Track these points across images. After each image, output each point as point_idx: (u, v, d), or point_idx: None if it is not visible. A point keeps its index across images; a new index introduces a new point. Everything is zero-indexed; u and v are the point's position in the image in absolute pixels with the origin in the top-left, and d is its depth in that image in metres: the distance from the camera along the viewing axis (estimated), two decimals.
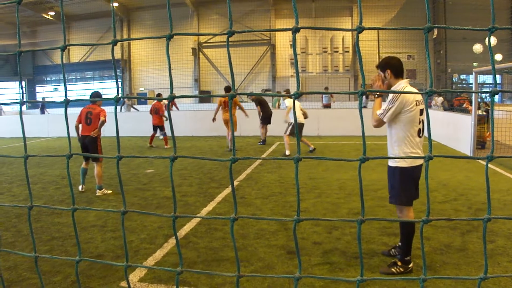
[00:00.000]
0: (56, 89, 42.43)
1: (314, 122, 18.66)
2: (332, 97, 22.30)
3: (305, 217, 1.48)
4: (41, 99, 34.94)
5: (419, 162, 4.56)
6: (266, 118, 16.25)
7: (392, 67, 4.59)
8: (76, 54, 40.75)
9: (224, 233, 5.97)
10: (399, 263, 4.68)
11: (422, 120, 4.57)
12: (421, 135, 4.57)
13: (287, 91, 19.23)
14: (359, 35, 1.42)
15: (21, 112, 1.91)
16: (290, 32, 1.43)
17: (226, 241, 5.67)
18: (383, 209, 7.07)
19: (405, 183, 4.64)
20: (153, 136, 16.63)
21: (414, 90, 4.66)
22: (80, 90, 40.73)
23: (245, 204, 7.56)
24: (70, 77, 40.96)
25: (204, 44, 37.59)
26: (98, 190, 8.55)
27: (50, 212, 7.16)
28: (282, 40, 36.01)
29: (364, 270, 1.84)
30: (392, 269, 4.64)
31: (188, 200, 7.93)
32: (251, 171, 10.57)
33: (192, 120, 20.26)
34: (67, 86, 1.85)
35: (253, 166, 11.09)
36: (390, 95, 4.52)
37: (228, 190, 8.63)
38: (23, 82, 41.50)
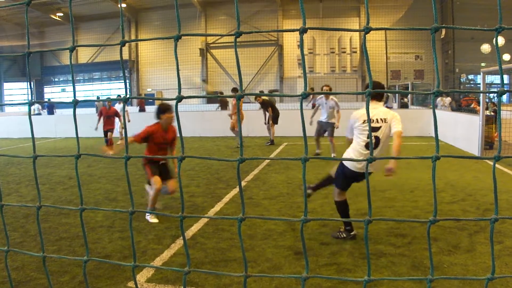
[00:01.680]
0: (63, 90, 42.62)
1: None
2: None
3: (313, 217, 1.48)
4: (47, 100, 35.13)
5: (360, 170, 5.45)
6: (275, 118, 16.26)
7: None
8: (84, 55, 40.92)
9: (231, 233, 5.97)
10: (342, 229, 5.78)
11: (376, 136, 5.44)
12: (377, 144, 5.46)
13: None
14: (367, 35, 1.42)
15: (29, 113, 1.93)
16: (298, 32, 1.43)
17: (234, 241, 5.67)
18: (391, 209, 7.05)
19: (340, 172, 5.72)
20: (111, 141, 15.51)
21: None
22: (88, 90, 40.89)
23: (253, 205, 7.56)
24: (78, 78, 41.11)
25: (211, 45, 37.65)
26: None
27: (57, 212, 7.19)
28: (290, 41, 35.99)
29: (371, 270, 1.84)
30: (337, 234, 5.75)
31: (196, 201, 7.94)
32: (258, 171, 10.56)
33: (200, 121, 20.26)
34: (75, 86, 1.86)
35: (260, 167, 11.09)
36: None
37: (235, 190, 8.63)
38: (31, 83, 41.77)
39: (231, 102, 15.90)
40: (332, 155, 12.34)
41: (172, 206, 7.68)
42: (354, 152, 5.51)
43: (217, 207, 7.52)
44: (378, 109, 5.42)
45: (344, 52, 35.46)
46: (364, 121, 5.32)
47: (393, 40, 33.91)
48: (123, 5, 36.27)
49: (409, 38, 33.91)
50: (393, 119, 5.38)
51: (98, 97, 34.70)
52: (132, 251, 1.73)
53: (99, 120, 15.51)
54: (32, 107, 32.49)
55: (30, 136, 1.69)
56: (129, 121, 17.69)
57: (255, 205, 7.56)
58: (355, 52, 35.38)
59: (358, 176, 5.59)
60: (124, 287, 4.40)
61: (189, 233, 6.04)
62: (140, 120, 19.78)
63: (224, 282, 4.41)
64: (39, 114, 27.89)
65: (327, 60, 35.67)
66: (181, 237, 5.77)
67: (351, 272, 4.66)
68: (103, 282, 4.50)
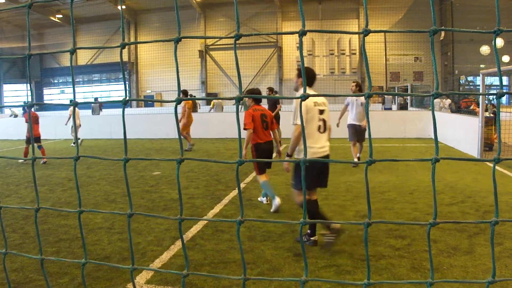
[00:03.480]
0: (62, 92, 42.66)
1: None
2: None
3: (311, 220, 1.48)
4: (49, 101, 35.10)
5: (320, 155, 5.46)
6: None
7: (308, 76, 5.54)
8: (84, 57, 40.99)
9: (231, 235, 5.97)
10: (304, 233, 5.66)
11: (323, 119, 5.53)
12: (321, 131, 5.50)
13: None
14: (366, 37, 1.42)
15: (29, 114, 1.93)
16: (297, 34, 1.43)
17: (233, 243, 5.67)
18: (390, 211, 7.05)
19: (297, 172, 5.50)
20: (27, 150, 13.38)
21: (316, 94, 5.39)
22: (87, 92, 40.94)
23: (252, 207, 7.56)
24: (77, 80, 41.23)
25: (211, 47, 37.71)
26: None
27: (57, 214, 7.19)
28: (289, 43, 36.07)
29: (371, 273, 1.84)
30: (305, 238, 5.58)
31: (195, 202, 7.94)
32: None
33: (199, 123, 20.23)
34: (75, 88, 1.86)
35: None
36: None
37: (235, 192, 8.63)
38: (31, 85, 41.62)
39: (182, 105, 15.56)
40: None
41: (172, 207, 7.68)
42: (309, 141, 5.40)
43: (217, 208, 7.52)
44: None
45: (344, 53, 35.54)
46: (315, 104, 5.47)
47: (392, 42, 33.97)
48: (123, 6, 36.22)
49: (408, 40, 33.96)
50: (327, 103, 5.75)
51: (95, 99, 34.68)
52: (131, 253, 1.73)
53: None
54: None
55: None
56: (79, 125, 17.76)
57: (254, 206, 7.56)
58: (354, 53, 35.43)
59: (323, 165, 5.62)
60: None
61: (189, 234, 6.04)
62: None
63: (223, 284, 4.40)
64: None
65: (326, 61, 35.74)
66: (181, 239, 5.77)
67: (350, 274, 4.66)
68: (102, 283, 4.49)
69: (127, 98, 1.63)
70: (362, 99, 10.58)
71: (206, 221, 6.54)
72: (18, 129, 21.59)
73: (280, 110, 15.02)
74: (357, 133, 11.12)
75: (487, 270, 4.63)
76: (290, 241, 5.73)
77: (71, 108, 18.48)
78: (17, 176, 11.01)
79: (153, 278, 4.62)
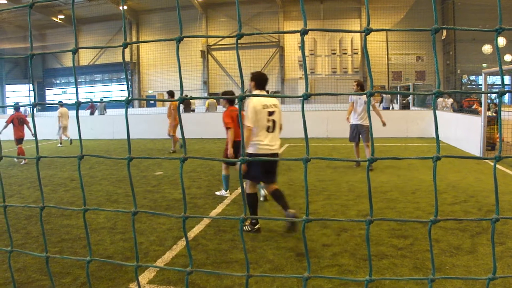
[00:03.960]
0: (64, 92, 42.74)
1: (323, 124, 18.67)
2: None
3: (314, 218, 1.49)
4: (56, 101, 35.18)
5: (267, 152, 6.01)
6: None
7: (255, 80, 6.18)
8: (85, 57, 41.03)
9: (233, 235, 5.97)
10: (247, 223, 6.18)
11: (272, 119, 6.09)
12: (270, 130, 6.06)
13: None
14: (368, 36, 1.43)
15: (33, 114, 1.94)
16: (299, 34, 1.44)
17: (235, 243, 5.68)
18: (392, 211, 7.05)
19: (254, 169, 6.11)
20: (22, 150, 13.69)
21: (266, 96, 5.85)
22: (90, 92, 41.01)
23: None
24: (79, 80, 41.40)
25: (212, 47, 37.73)
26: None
27: (59, 214, 7.21)
28: (291, 42, 36.05)
29: (373, 272, 1.84)
30: (244, 228, 6.13)
31: (197, 202, 7.95)
32: None
33: (201, 123, 20.29)
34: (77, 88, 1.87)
35: None
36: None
37: (237, 192, 8.64)
38: (33, 85, 41.86)
39: (169, 106, 15.44)
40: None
41: (174, 207, 7.69)
42: (257, 135, 6.01)
43: (219, 208, 7.52)
44: (268, 97, 5.98)
45: (345, 53, 35.51)
46: (264, 106, 6.02)
47: (394, 41, 33.94)
48: (124, 7, 36.31)
49: (410, 39, 33.93)
50: (278, 105, 6.32)
51: (101, 99, 34.79)
52: (135, 251, 1.74)
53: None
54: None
55: (32, 138, 1.70)
56: (66, 125, 18.15)
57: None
58: (356, 53, 35.41)
59: (271, 162, 6.08)
60: None
61: (191, 234, 6.05)
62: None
63: (225, 284, 4.41)
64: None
65: (328, 61, 35.72)
66: (183, 239, 5.78)
67: (352, 273, 4.66)
68: (104, 283, 4.50)
69: (130, 97, 1.64)
70: (365, 97, 10.30)
71: (208, 221, 6.55)
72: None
73: None
74: (359, 133, 10.85)
75: (489, 270, 4.63)
76: (292, 241, 5.74)
77: (60, 109, 18.66)
78: (19, 177, 11.04)
79: (156, 278, 4.63)
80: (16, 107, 14.33)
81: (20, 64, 42.68)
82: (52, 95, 43.10)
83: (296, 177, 9.97)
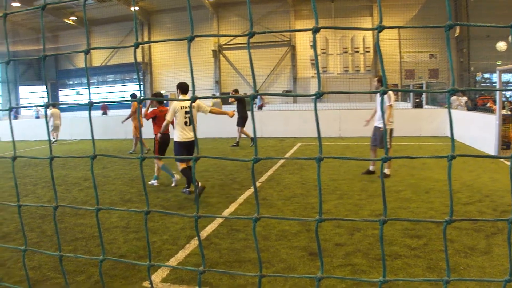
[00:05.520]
0: (77, 93, 43.03)
1: (335, 122, 18.59)
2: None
3: (327, 217, 1.48)
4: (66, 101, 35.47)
5: (185, 140, 8.39)
6: (243, 119, 16.37)
7: (180, 88, 8.58)
8: (98, 58, 41.24)
9: (246, 234, 5.97)
10: (189, 190, 8.58)
11: (188, 117, 8.37)
12: (187, 124, 8.41)
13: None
14: (380, 34, 1.42)
15: (46, 115, 1.95)
16: (310, 32, 1.43)
17: (248, 242, 5.67)
18: (406, 210, 7.00)
19: (176, 150, 8.51)
20: None
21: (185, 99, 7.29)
22: (102, 93, 41.26)
23: (267, 206, 7.56)
24: (92, 81, 41.56)
25: (224, 46, 37.75)
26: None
27: (73, 213, 7.26)
28: (302, 41, 35.94)
29: (386, 272, 1.83)
30: (183, 191, 8.71)
31: (210, 201, 7.96)
32: (272, 172, 10.56)
33: (213, 122, 20.20)
34: (89, 89, 1.88)
35: (274, 168, 11.08)
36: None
37: (249, 191, 8.63)
38: (47, 86, 42.19)
39: (133, 106, 15.24)
40: (386, 170, 9.75)
41: (186, 206, 7.71)
42: (178, 128, 8.43)
43: (231, 208, 7.53)
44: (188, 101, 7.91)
45: (358, 52, 35.31)
46: (182, 107, 8.38)
47: (407, 39, 33.72)
48: (136, 8, 36.50)
49: (423, 36, 33.65)
50: (199, 105, 8.52)
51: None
52: (148, 250, 1.74)
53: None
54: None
55: (46, 138, 1.71)
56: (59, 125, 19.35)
57: (269, 206, 7.56)
58: (369, 51, 35.21)
59: (188, 146, 8.44)
60: (139, 287, 4.43)
61: (204, 233, 6.06)
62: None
63: (238, 283, 4.41)
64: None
65: (340, 60, 35.56)
66: (196, 238, 5.78)
67: (365, 273, 4.64)
68: (118, 282, 4.53)
69: (142, 97, 1.64)
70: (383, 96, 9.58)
71: (221, 220, 6.55)
72: (35, 131, 21.75)
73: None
74: (376, 136, 9.99)
75: (505, 271, 4.58)
76: (305, 240, 5.72)
77: (51, 110, 19.16)
78: (34, 176, 11.13)
79: (169, 277, 4.64)
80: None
81: (33, 66, 42.95)
82: (65, 96, 43.38)
83: (309, 176, 9.94)
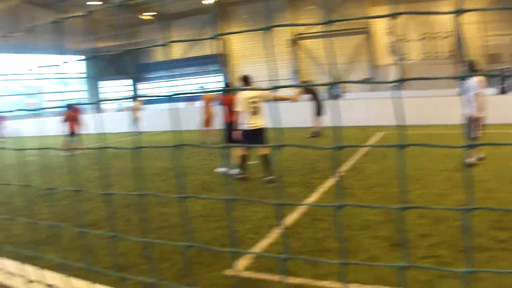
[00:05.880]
0: (158, 86, 44.42)
1: (417, 110, 17.94)
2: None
3: (411, 205, 1.45)
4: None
5: (253, 128, 8.72)
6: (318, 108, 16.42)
7: (244, 80, 9.48)
8: (176, 51, 42.18)
9: (328, 223, 5.94)
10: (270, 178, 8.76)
11: (254, 106, 8.76)
12: (255, 113, 8.73)
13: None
14: (461, 18, 1.37)
15: (131, 107, 2.03)
16: (387, 19, 1.40)
17: (330, 231, 5.64)
18: (491, 201, 6.65)
19: (244, 137, 8.72)
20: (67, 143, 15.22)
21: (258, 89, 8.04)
22: (182, 85, 42.35)
23: (348, 195, 7.47)
24: (171, 74, 42.74)
25: (300, 36, 37.57)
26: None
27: (157, 202, 7.50)
28: (379, 28, 35.06)
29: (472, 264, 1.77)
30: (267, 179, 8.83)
31: (291, 191, 7.98)
32: (354, 162, 10.38)
33: (292, 111, 20.04)
34: (168, 82, 1.94)
35: (356, 157, 10.89)
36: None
37: (330, 181, 8.56)
38: (131, 79, 44.09)
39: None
40: (472, 158, 9.12)
41: (268, 196, 7.77)
42: (246, 117, 8.74)
43: (313, 197, 7.52)
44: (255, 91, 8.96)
45: (438, 37, 34.00)
46: (249, 98, 8.71)
47: (490, 21, 32.04)
48: (211, 0, 37.36)
49: (509, 18, 31.88)
50: (263, 94, 8.86)
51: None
52: (232, 237, 1.78)
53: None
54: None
55: (127, 131, 1.78)
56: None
57: (351, 195, 7.46)
58: (450, 36, 33.81)
59: (255, 133, 8.70)
60: (222, 275, 4.53)
61: (286, 222, 6.09)
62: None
63: (320, 272, 4.40)
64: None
65: (420, 46, 34.41)
66: (278, 227, 5.83)
67: (450, 265, 4.49)
68: (202, 269, 4.65)
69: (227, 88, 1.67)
70: (470, 83, 8.26)
71: (303, 210, 6.56)
72: (118, 123, 22.48)
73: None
74: (469, 124, 8.95)
75: None
76: (388, 229, 5.61)
77: (134, 103, 19.45)
78: (120, 167, 11.54)
79: (252, 265, 4.71)
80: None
81: (113, 62, 44.45)
82: (145, 89, 44.92)
83: (391, 166, 9.69)
